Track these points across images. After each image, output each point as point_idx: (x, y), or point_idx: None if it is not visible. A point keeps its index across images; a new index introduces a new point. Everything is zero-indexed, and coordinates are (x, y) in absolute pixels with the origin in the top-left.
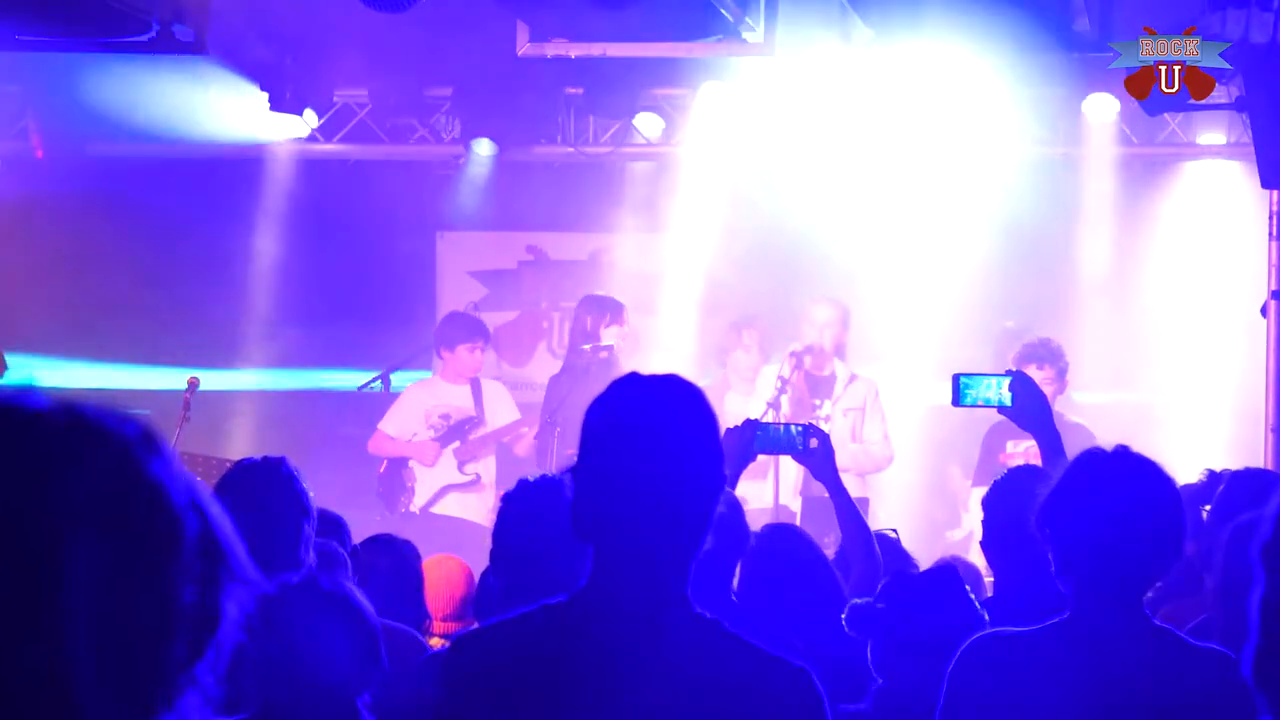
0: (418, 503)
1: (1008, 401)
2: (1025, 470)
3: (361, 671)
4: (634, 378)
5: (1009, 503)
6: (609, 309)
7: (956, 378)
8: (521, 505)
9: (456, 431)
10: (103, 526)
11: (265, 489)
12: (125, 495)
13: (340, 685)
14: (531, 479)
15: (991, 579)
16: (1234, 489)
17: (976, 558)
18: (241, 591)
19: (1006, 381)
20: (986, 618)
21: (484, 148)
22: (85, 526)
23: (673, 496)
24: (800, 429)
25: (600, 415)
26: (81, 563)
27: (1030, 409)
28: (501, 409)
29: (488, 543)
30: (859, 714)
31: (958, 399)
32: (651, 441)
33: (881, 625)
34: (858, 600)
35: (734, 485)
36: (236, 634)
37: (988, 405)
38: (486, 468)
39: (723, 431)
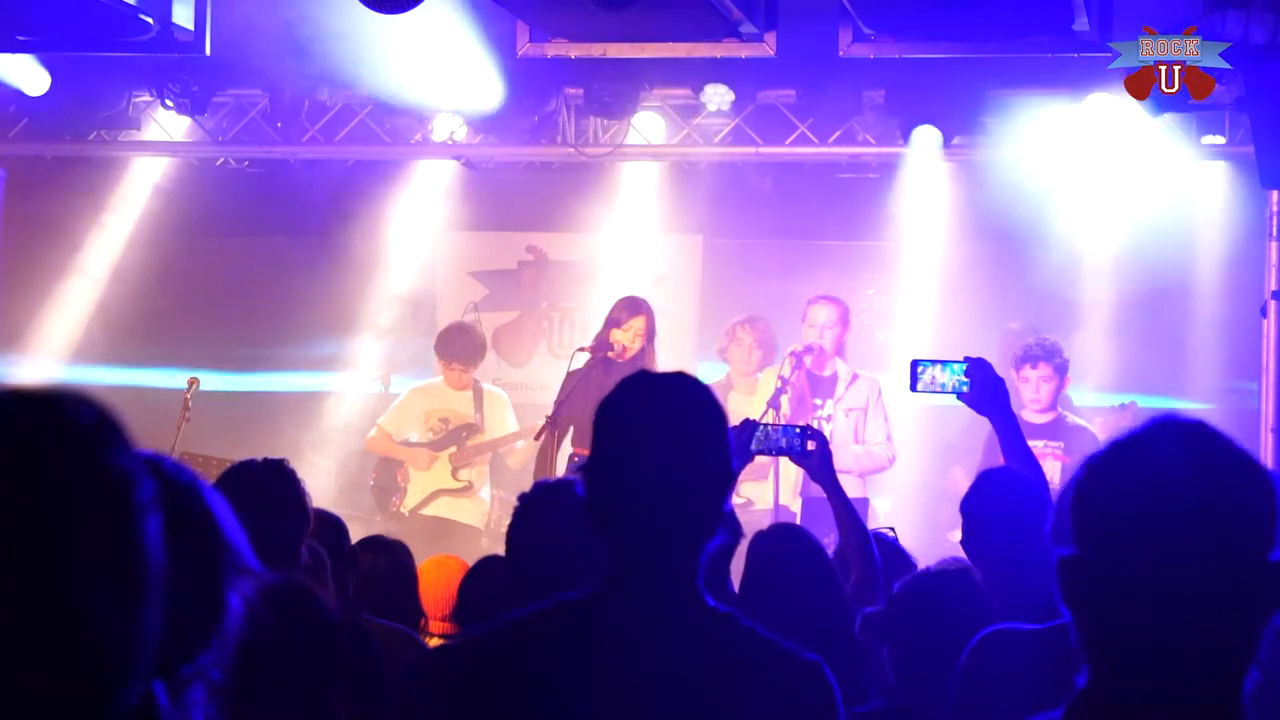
0: (408, 504)
1: (964, 388)
2: (997, 471)
3: (326, 665)
4: (643, 375)
5: (984, 502)
6: (613, 311)
7: (914, 363)
8: (537, 506)
9: (454, 437)
10: (70, 518)
11: (264, 489)
12: (84, 484)
13: (302, 679)
14: (551, 480)
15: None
16: None
17: None
18: (244, 583)
19: (963, 368)
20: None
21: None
22: (47, 518)
23: (683, 491)
24: (799, 431)
25: (611, 414)
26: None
27: (986, 394)
28: (500, 419)
29: (478, 544)
30: (871, 714)
31: (914, 384)
32: (661, 438)
33: (895, 631)
34: (869, 610)
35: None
36: (240, 625)
37: (943, 391)
38: (480, 474)
39: None
